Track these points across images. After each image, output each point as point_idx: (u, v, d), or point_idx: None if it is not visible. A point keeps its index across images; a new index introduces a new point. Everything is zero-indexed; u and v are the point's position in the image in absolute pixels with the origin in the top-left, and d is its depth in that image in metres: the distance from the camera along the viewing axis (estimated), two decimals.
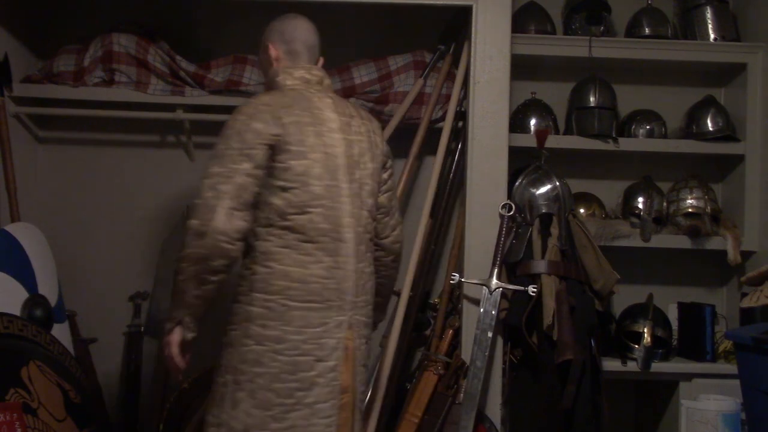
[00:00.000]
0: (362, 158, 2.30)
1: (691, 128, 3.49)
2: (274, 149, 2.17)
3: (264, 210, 2.19)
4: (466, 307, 3.15)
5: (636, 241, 3.36)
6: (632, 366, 3.25)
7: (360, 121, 2.35)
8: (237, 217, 2.11)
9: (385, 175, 2.43)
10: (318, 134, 2.22)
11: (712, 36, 3.48)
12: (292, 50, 2.37)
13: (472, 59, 3.20)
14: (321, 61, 2.46)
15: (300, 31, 2.39)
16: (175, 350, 2.22)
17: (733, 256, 3.34)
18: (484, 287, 3.02)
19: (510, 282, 3.04)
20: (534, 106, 3.50)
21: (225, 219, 2.09)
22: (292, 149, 2.17)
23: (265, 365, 2.17)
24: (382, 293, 2.58)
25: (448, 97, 3.33)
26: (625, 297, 3.45)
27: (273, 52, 2.39)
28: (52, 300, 2.92)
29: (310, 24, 2.44)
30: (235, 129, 2.18)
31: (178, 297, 2.20)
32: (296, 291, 2.17)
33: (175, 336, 2.22)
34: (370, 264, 2.34)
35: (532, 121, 3.46)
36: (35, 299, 2.83)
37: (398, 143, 3.11)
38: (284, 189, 2.17)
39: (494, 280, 3.02)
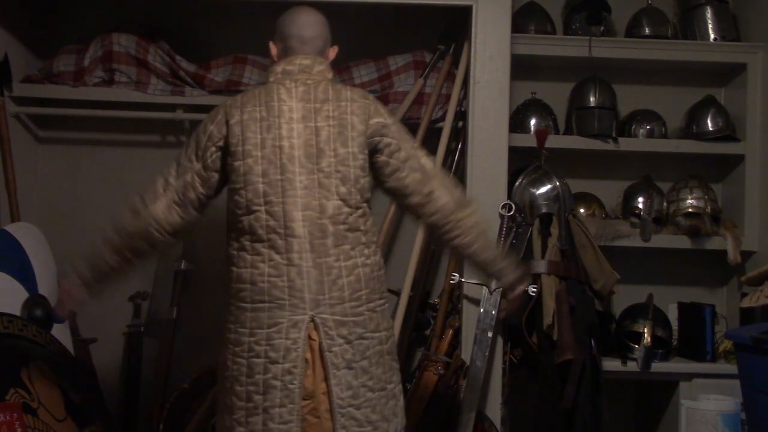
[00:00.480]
0: (331, 144, 2.17)
1: (691, 128, 3.49)
2: (225, 152, 2.20)
3: (227, 217, 2.23)
4: (466, 307, 3.15)
5: (636, 241, 3.36)
6: (632, 366, 3.25)
7: (335, 104, 2.19)
8: (175, 211, 2.22)
9: (382, 157, 2.23)
10: (269, 128, 2.16)
11: (712, 36, 3.48)
12: (287, 47, 2.31)
13: (472, 59, 3.19)
14: (332, 51, 2.37)
15: (294, 27, 2.31)
16: (68, 288, 2.31)
17: (733, 256, 3.34)
18: (484, 287, 3.02)
19: None
20: (534, 106, 3.50)
21: (164, 209, 2.20)
22: (236, 150, 2.16)
23: (228, 368, 2.16)
24: (482, 258, 2.35)
25: (448, 97, 3.32)
26: (625, 297, 3.45)
27: (273, 50, 2.36)
28: (52, 300, 2.92)
29: (309, 16, 2.34)
30: (198, 129, 2.26)
31: (92, 256, 2.28)
32: (247, 292, 2.14)
33: (70, 286, 2.29)
34: (349, 257, 2.16)
35: (532, 121, 3.46)
36: (35, 299, 2.83)
37: None
38: (234, 191, 2.18)
39: (494, 280, 3.01)
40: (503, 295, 2.56)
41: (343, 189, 2.16)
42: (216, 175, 2.22)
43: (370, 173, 2.25)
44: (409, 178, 2.25)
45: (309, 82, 2.23)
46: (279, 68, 2.27)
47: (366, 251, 2.21)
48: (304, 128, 2.17)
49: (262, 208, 2.13)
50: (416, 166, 2.26)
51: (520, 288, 2.45)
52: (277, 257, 2.12)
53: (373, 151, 2.24)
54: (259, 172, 2.14)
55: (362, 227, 2.20)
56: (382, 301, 2.25)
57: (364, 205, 2.22)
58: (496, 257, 2.37)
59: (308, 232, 2.12)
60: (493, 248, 2.38)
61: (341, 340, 2.13)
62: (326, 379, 2.12)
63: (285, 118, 2.17)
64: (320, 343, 2.12)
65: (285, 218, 2.12)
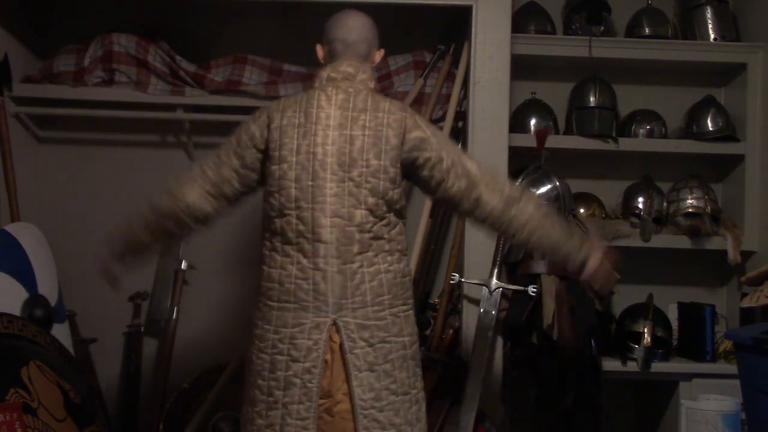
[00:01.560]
0: (364, 155, 2.20)
1: (691, 128, 3.49)
2: (265, 154, 2.25)
3: (262, 217, 2.27)
4: (466, 307, 3.15)
5: (636, 241, 3.36)
6: (632, 366, 3.25)
7: (372, 115, 2.22)
8: (208, 201, 2.28)
9: (424, 173, 2.24)
10: (305, 134, 2.20)
11: (712, 36, 3.48)
12: (332, 50, 2.34)
13: (472, 59, 3.20)
14: (378, 54, 2.39)
15: (340, 31, 2.33)
16: (103, 268, 2.42)
17: (733, 256, 3.34)
18: (484, 287, 3.01)
19: (510, 282, 3.04)
20: (534, 106, 3.50)
21: (198, 197, 2.27)
22: (273, 155, 2.22)
23: (253, 362, 2.23)
24: (546, 247, 2.31)
25: (448, 97, 3.32)
26: (625, 297, 3.45)
27: (319, 52, 2.39)
28: (52, 300, 2.91)
29: (355, 20, 2.35)
30: (240, 128, 2.31)
31: (125, 229, 2.37)
32: (275, 291, 2.20)
33: (104, 266, 2.41)
34: (371, 264, 2.20)
35: (532, 121, 3.46)
36: (35, 299, 2.82)
37: None
38: (270, 194, 2.23)
39: (494, 280, 3.01)
40: (584, 283, 2.36)
41: (371, 200, 2.20)
42: (254, 175, 2.28)
43: (401, 185, 2.26)
44: (455, 187, 2.25)
45: (350, 90, 2.26)
46: (324, 74, 2.31)
47: (389, 258, 2.24)
48: (339, 135, 2.20)
49: (293, 213, 2.18)
50: (461, 173, 2.24)
51: (592, 265, 2.29)
52: (304, 261, 2.18)
53: (413, 166, 2.25)
54: (293, 177, 2.19)
55: (386, 235, 2.24)
56: (405, 307, 2.28)
57: (390, 214, 2.24)
58: (559, 243, 2.28)
59: (335, 239, 2.17)
60: (553, 236, 2.28)
61: (363, 343, 2.18)
62: (348, 380, 2.17)
63: (322, 124, 2.21)
64: (341, 345, 2.17)
65: (313, 224, 2.17)
